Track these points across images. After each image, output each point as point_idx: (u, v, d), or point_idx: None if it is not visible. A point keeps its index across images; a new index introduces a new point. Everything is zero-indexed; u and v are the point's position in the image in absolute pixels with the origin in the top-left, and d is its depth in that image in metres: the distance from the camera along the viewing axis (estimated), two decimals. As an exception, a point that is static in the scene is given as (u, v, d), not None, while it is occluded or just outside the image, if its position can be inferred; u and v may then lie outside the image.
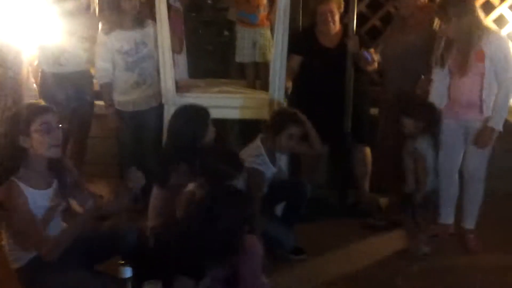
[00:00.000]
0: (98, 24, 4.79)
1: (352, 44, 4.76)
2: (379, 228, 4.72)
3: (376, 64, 4.79)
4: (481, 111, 4.17)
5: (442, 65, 4.23)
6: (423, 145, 4.27)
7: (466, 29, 4.09)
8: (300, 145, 4.29)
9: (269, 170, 4.20)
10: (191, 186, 3.66)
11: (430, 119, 4.26)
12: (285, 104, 4.75)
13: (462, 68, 4.14)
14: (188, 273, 3.38)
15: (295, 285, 3.94)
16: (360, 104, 5.00)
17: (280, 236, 4.21)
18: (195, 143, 3.87)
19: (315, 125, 4.31)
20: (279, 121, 4.19)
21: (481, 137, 4.19)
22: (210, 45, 5.88)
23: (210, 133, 3.99)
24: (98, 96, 4.96)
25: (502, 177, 4.96)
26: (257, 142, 4.23)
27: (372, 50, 4.78)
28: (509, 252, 4.29)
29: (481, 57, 4.08)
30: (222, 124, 4.81)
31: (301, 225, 4.42)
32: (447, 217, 4.53)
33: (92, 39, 4.79)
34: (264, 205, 4.07)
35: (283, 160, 4.45)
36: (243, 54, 5.06)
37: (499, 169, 4.59)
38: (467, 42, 4.09)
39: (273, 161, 4.24)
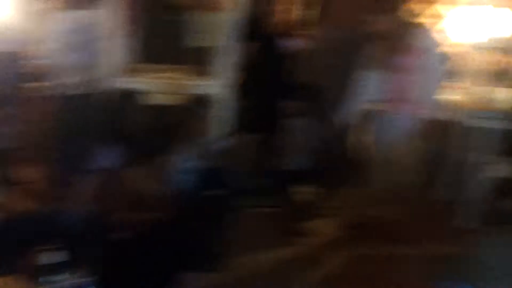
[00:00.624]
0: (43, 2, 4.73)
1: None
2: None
3: None
4: (417, 105, 4.23)
5: (375, 62, 4.29)
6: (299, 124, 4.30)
7: (398, 24, 4.15)
8: None
9: None
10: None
11: (310, 100, 4.30)
12: (231, 92, 4.78)
13: (395, 63, 4.20)
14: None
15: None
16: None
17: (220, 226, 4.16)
18: (123, 128, 3.88)
19: (263, 112, 4.35)
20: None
21: (424, 126, 4.36)
22: (161, 29, 5.86)
23: (145, 118, 3.99)
24: (38, 77, 4.97)
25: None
26: None
27: None
28: (429, 242, 4.46)
29: (414, 52, 4.15)
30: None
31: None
32: (373, 207, 4.64)
33: (32, 17, 4.79)
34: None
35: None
36: (195, 38, 5.06)
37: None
38: (400, 38, 4.15)
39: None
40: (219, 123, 4.63)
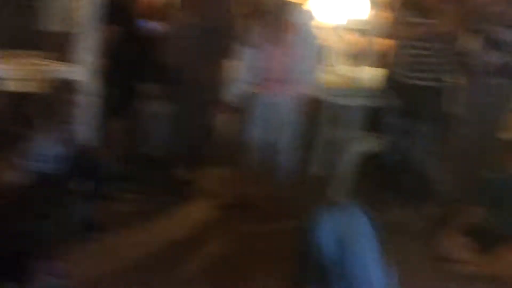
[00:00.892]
0: None
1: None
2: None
3: None
4: (293, 84, 4.28)
5: (252, 40, 4.29)
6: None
7: (274, 2, 4.19)
8: None
9: None
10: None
11: (174, 84, 4.31)
12: (96, 81, 4.57)
13: (273, 40, 4.22)
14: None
15: (92, 262, 3.79)
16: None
17: (74, 208, 4.03)
18: None
19: (127, 97, 4.22)
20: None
21: (300, 102, 4.39)
22: (16, 13, 5.53)
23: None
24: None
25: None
26: None
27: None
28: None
29: (291, 28, 4.19)
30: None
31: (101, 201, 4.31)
32: (254, 187, 4.66)
33: None
34: (60, 181, 3.97)
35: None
36: (49, 22, 4.85)
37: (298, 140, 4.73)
38: (277, 14, 4.18)
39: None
40: (84, 109, 4.43)
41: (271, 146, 4.54)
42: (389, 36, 4.68)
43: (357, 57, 5.20)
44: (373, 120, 4.76)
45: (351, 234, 2.62)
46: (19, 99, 4.22)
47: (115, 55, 4.75)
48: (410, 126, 4.44)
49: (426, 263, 3.96)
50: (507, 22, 4.20)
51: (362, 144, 4.97)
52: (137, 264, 3.81)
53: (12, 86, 4.41)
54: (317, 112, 5.07)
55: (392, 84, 4.46)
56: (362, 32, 5.39)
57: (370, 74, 4.88)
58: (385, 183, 4.64)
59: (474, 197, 4.11)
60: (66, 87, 4.03)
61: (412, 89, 4.34)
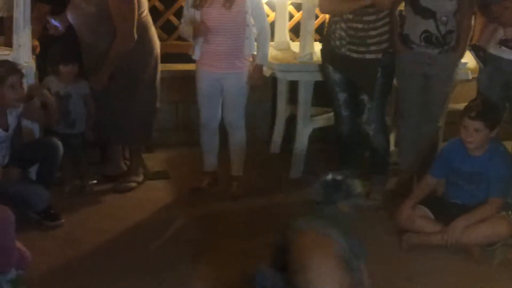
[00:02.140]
0: None
1: None
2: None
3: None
4: (243, 59, 4.27)
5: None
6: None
7: None
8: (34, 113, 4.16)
9: None
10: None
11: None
12: (33, 64, 4.41)
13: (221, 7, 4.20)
14: None
15: (52, 249, 3.76)
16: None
17: (31, 197, 3.95)
18: None
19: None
20: None
21: (252, 76, 4.37)
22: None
23: None
24: None
25: (257, 126, 5.20)
26: None
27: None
28: (263, 195, 4.67)
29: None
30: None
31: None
32: (210, 166, 4.66)
33: None
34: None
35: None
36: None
37: (254, 118, 4.73)
38: None
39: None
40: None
41: (215, 125, 4.54)
42: (322, 10, 4.70)
43: (297, 31, 5.21)
44: (322, 94, 4.80)
45: None
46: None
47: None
48: (354, 98, 4.50)
49: (385, 235, 4.08)
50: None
51: (315, 120, 5.04)
52: (98, 250, 3.79)
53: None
54: (267, 88, 5.12)
55: (332, 58, 4.49)
56: (298, 6, 5.43)
57: (313, 48, 4.90)
58: (340, 157, 4.72)
59: (427, 167, 4.23)
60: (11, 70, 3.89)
61: (350, 61, 4.38)
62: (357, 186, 2.51)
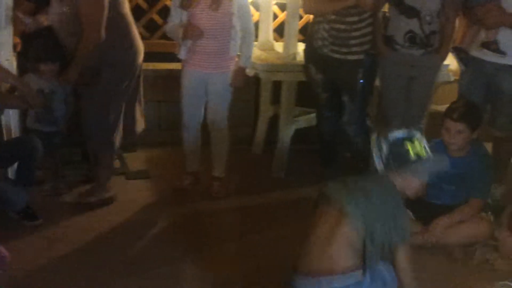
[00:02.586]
0: None
1: None
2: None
3: None
4: (228, 58, 4.26)
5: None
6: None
7: None
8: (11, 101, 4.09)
9: None
10: None
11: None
12: (14, 61, 4.37)
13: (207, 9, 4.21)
14: None
15: (33, 249, 3.74)
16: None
17: (9, 196, 3.92)
18: None
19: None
20: None
21: (235, 77, 4.37)
22: None
23: None
24: None
25: (239, 126, 5.21)
26: None
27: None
28: (245, 195, 4.66)
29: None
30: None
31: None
32: (192, 166, 4.66)
33: None
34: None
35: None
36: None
37: (236, 118, 4.73)
38: None
39: None
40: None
41: (197, 125, 4.53)
42: (305, 10, 4.71)
43: (281, 31, 5.22)
44: (305, 94, 4.81)
45: None
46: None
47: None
48: (336, 99, 4.50)
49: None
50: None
51: (298, 120, 5.05)
52: (80, 250, 3.77)
53: None
54: (250, 88, 5.11)
55: (314, 58, 4.50)
56: (282, 6, 5.43)
57: (297, 49, 4.92)
58: (322, 158, 4.73)
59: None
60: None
61: (332, 62, 4.39)
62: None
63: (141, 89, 4.56)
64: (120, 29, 4.21)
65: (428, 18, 4.28)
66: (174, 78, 4.60)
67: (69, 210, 4.24)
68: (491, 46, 4.25)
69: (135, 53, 4.30)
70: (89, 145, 4.44)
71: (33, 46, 4.36)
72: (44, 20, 4.37)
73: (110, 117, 4.24)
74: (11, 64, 4.23)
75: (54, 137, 4.38)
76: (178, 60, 4.47)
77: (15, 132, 4.33)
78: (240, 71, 4.39)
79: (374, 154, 3.03)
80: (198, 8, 4.24)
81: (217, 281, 3.49)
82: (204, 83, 4.38)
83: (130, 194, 4.52)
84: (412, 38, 4.31)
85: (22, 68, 4.47)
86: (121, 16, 4.23)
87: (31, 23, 4.33)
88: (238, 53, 4.37)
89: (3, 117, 4.22)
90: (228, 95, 4.43)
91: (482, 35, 4.30)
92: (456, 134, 3.88)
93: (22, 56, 4.48)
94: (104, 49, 4.09)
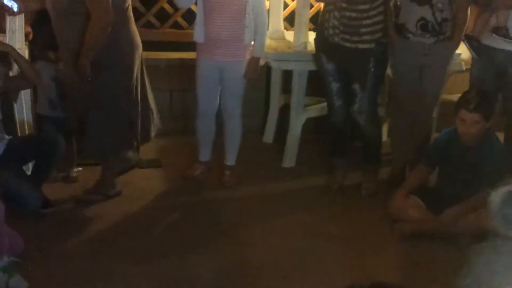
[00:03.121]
0: None
1: None
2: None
3: None
4: (238, 47, 4.29)
5: None
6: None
7: None
8: (14, 82, 4.04)
9: None
10: None
11: None
12: (26, 50, 4.38)
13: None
14: None
15: (46, 236, 3.77)
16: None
17: (24, 197, 3.88)
18: None
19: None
20: None
21: (249, 68, 4.38)
22: None
23: None
24: None
25: (250, 115, 5.19)
26: None
27: None
28: (256, 184, 4.66)
29: None
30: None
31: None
32: (205, 156, 4.67)
33: None
34: (10, 162, 3.87)
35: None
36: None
37: (247, 107, 4.72)
38: None
39: None
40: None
41: (213, 114, 4.54)
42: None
43: (292, 20, 5.20)
44: (316, 83, 4.80)
45: None
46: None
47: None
48: (347, 88, 4.49)
49: (378, 224, 4.10)
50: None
51: (309, 109, 5.04)
52: (92, 237, 3.80)
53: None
54: (261, 77, 5.09)
55: (325, 47, 4.48)
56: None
57: (308, 38, 4.90)
58: (332, 147, 4.72)
59: (420, 157, 4.24)
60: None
61: (343, 51, 4.37)
62: None
63: (149, 90, 4.33)
64: (122, 26, 4.01)
65: (440, 5, 4.25)
66: (186, 67, 4.62)
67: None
68: (501, 31, 4.21)
69: (133, 54, 4.06)
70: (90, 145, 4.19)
71: (41, 33, 4.37)
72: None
73: (111, 119, 4.07)
74: (23, 52, 4.25)
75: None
76: (189, 49, 4.47)
77: (28, 121, 4.35)
78: (254, 61, 4.39)
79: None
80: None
81: (227, 270, 3.51)
82: (219, 71, 4.38)
83: (142, 183, 4.53)
84: (424, 26, 4.29)
85: (34, 56, 4.49)
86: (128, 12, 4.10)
87: (20, 7, 4.18)
88: (252, 43, 4.37)
89: (16, 107, 4.24)
90: (242, 84, 4.43)
91: (493, 21, 4.27)
92: (473, 125, 3.87)
93: (33, 44, 4.51)
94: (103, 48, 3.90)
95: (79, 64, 3.90)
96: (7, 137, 4.03)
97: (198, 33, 4.35)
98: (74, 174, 4.51)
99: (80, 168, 4.58)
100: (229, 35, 4.28)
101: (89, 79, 3.91)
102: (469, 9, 4.41)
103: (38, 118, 4.42)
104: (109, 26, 3.84)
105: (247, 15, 4.27)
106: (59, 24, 3.97)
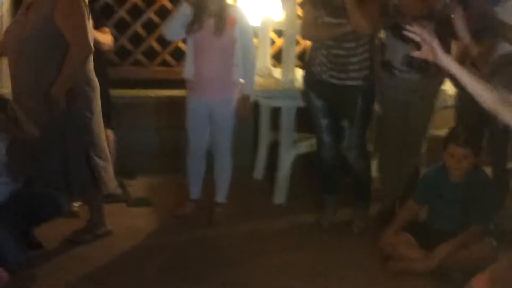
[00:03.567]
0: None
1: None
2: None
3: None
4: (231, 85, 4.32)
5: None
6: None
7: None
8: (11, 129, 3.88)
9: None
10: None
11: None
12: None
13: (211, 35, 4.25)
14: None
15: (36, 278, 3.72)
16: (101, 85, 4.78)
17: (7, 256, 3.68)
18: None
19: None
20: None
21: (240, 107, 4.43)
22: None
23: None
24: None
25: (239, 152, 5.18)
26: None
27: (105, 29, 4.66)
28: (248, 221, 4.66)
29: (233, 22, 4.27)
30: None
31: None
32: (195, 194, 4.67)
33: None
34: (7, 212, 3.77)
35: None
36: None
37: (236, 144, 4.73)
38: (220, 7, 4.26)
39: None
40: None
41: (203, 152, 4.56)
42: (303, 36, 4.74)
43: (279, 57, 5.25)
44: (305, 120, 4.83)
45: None
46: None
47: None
48: (336, 124, 4.52)
49: (369, 260, 4.10)
50: (413, 13, 4.25)
51: (298, 146, 5.06)
52: (81, 278, 3.75)
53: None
54: (253, 114, 5.12)
55: (314, 84, 4.52)
56: (280, 32, 5.46)
57: (295, 75, 4.95)
58: (322, 183, 4.73)
59: (409, 193, 4.26)
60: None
61: (331, 88, 4.41)
62: None
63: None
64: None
65: None
66: (174, 104, 4.64)
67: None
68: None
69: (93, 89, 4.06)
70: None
71: None
72: None
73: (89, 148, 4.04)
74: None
75: None
76: (178, 87, 4.49)
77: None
78: (245, 100, 4.44)
79: None
80: (201, 34, 4.29)
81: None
82: (209, 109, 4.41)
83: (131, 222, 4.51)
84: (409, 62, 4.34)
85: None
86: None
87: None
88: (242, 81, 4.41)
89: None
90: (232, 121, 4.47)
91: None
92: (462, 159, 3.90)
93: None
94: None
95: (52, 95, 3.84)
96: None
97: (187, 70, 4.40)
98: (76, 209, 4.50)
99: (80, 203, 4.53)
100: (218, 73, 4.32)
101: (62, 109, 3.88)
102: (452, 44, 4.47)
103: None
104: (87, 58, 3.91)
105: (235, 54, 4.31)
106: (28, 58, 3.90)
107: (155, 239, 4.32)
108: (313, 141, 4.80)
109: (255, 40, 5.39)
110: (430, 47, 2.92)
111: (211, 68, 4.31)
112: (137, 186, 5.10)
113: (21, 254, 3.80)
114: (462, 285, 3.76)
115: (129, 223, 4.49)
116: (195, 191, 4.64)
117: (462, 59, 4.41)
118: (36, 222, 3.95)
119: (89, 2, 4.00)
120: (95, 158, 4.03)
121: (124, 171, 5.14)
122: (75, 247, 4.09)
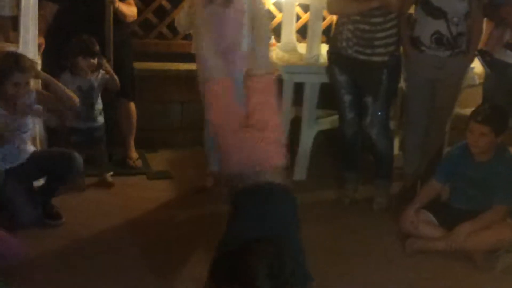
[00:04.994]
0: None
1: None
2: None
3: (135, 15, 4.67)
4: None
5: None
6: None
7: None
8: (48, 103, 4.02)
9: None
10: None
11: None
12: (39, 61, 4.37)
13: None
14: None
15: (52, 247, 3.76)
16: (121, 56, 4.76)
17: (18, 213, 3.82)
18: None
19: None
20: (1, 67, 3.76)
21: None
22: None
23: None
24: None
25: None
26: None
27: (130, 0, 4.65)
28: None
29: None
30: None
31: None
32: (215, 165, 4.58)
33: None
34: (23, 174, 3.88)
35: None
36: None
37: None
38: None
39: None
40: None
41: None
42: (330, 11, 4.67)
43: (304, 32, 5.19)
44: (328, 96, 4.78)
45: None
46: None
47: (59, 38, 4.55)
48: (359, 101, 4.46)
49: (389, 239, 4.06)
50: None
51: (320, 122, 5.01)
52: (99, 249, 3.77)
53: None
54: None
55: (338, 59, 4.46)
56: (306, 7, 5.39)
57: (320, 50, 4.88)
58: (343, 160, 4.69)
59: (432, 172, 4.20)
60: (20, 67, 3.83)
61: (356, 63, 4.35)
62: None
63: None
64: None
65: (455, 19, 4.22)
66: (195, 78, 4.58)
67: (89, 209, 4.24)
68: None
69: None
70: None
71: (71, 42, 4.37)
72: None
73: None
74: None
75: (96, 132, 4.45)
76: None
77: (40, 132, 4.36)
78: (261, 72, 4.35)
79: None
80: (212, 6, 4.21)
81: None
82: None
83: (151, 194, 4.52)
84: (438, 39, 4.26)
85: (51, 67, 4.47)
86: None
87: None
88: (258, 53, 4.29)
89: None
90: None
91: (507, 37, 4.25)
92: (480, 137, 3.83)
93: (52, 55, 4.50)
94: None
95: None
96: (32, 148, 4.04)
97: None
98: (110, 179, 4.58)
99: (112, 173, 4.65)
100: (229, 45, 4.24)
101: None
102: (484, 23, 4.38)
103: (67, 131, 4.43)
104: None
105: (244, 26, 4.23)
106: None
107: (174, 212, 4.31)
108: (335, 117, 4.76)
109: (279, 15, 5.39)
110: None
111: (220, 39, 4.22)
112: (159, 160, 5.09)
113: (33, 212, 3.87)
114: (483, 265, 3.74)
115: (148, 195, 4.49)
116: (213, 163, 4.61)
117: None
118: (52, 181, 4.03)
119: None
120: None
121: (146, 144, 5.17)
122: (92, 217, 4.13)
